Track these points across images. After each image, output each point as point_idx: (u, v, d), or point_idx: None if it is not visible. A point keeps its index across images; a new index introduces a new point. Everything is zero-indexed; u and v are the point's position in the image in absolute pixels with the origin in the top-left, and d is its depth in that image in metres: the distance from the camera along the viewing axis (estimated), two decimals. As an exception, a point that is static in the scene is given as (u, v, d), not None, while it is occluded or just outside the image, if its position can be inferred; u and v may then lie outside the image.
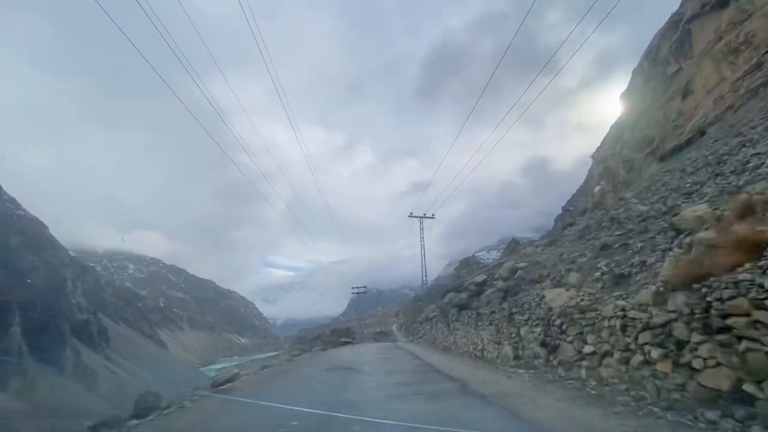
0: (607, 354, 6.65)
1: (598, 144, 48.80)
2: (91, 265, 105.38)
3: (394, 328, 57.99)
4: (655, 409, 4.96)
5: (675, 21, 29.23)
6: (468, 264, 59.66)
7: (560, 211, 59.33)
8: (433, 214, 31.07)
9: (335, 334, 33.30)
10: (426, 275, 29.06)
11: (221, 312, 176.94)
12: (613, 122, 41.06)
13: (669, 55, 28.07)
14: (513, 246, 33.61)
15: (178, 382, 57.75)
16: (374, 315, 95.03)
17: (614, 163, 21.86)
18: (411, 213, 30.85)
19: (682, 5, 29.15)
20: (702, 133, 10.68)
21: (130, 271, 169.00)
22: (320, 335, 37.41)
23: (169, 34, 11.25)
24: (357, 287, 47.20)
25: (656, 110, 22.53)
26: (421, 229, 29.91)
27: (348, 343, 31.05)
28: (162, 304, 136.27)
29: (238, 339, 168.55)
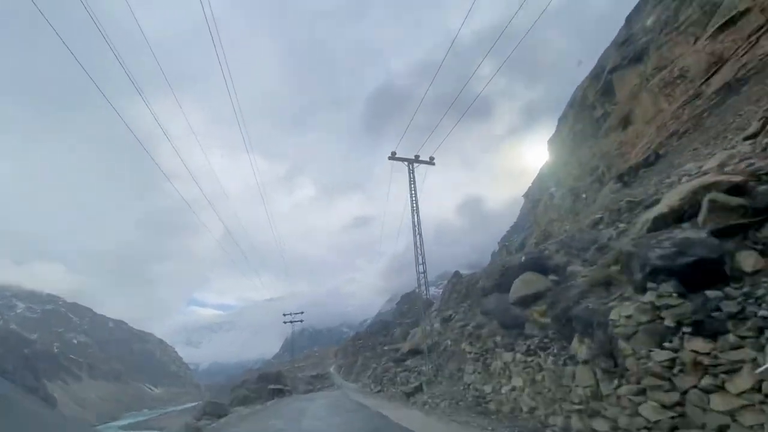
0: None
1: (529, 185, 52.54)
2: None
3: (332, 370, 53.74)
4: None
5: (597, 73, 32.47)
6: (410, 299, 58.32)
7: (497, 247, 61.71)
8: (431, 158, 20.12)
9: (263, 381, 29.04)
10: (423, 254, 19.07)
11: (132, 357, 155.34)
12: (544, 163, 44.50)
13: (595, 101, 30.80)
14: (456, 279, 32.72)
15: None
16: (310, 356, 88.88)
17: (559, 195, 22.29)
18: (393, 153, 19.54)
19: (602, 59, 32.63)
20: (657, 153, 10.63)
21: (19, 311, 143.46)
22: (244, 382, 32.60)
23: (116, 54, 8.95)
24: (292, 314, 39.82)
25: (590, 147, 23.75)
26: (411, 180, 19.44)
27: (279, 392, 26.74)
28: (56, 350, 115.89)
29: (150, 389, 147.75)
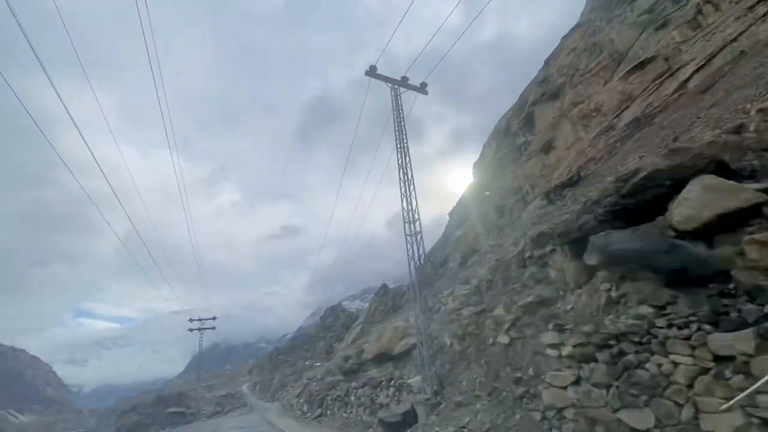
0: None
1: (454, 204, 55.54)
2: None
3: (244, 388, 49.82)
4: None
5: (521, 104, 35.45)
6: (335, 312, 56.82)
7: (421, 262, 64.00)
8: (423, 84, 15.10)
9: (161, 403, 25.32)
10: (417, 208, 14.03)
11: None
12: (469, 184, 47.45)
13: (518, 130, 33.45)
14: (384, 291, 32.54)
15: None
16: (221, 375, 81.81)
17: (485, 211, 23.37)
18: (373, 68, 14.46)
19: (524, 94, 35.80)
20: (579, 174, 11.51)
21: None
22: (137, 406, 28.28)
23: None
24: (201, 320, 32.23)
25: (513, 170, 25.43)
26: (397, 107, 14.61)
27: (179, 416, 23.36)
28: None
29: (14, 417, 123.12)
